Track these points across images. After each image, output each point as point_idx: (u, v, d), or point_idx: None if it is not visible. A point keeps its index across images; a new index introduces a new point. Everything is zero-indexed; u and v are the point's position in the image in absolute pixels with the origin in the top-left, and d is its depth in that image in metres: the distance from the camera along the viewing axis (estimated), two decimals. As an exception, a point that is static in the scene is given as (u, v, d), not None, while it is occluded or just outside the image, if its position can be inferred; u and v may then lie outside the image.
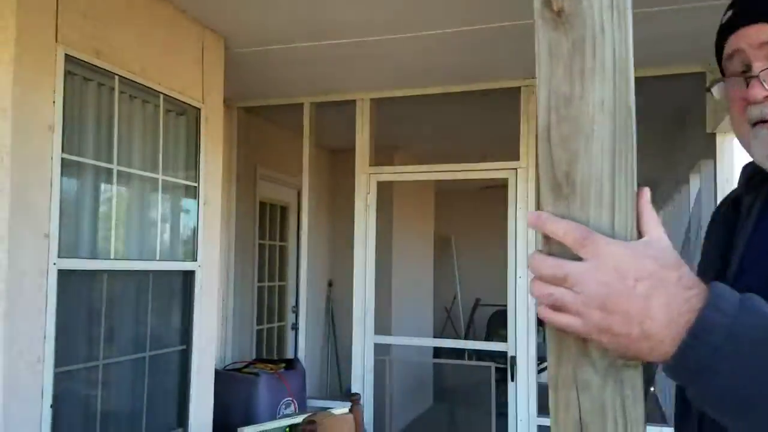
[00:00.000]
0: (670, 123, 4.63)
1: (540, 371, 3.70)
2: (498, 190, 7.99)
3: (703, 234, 3.61)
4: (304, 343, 4.08)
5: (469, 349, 6.29)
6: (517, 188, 3.72)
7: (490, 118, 4.67)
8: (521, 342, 3.65)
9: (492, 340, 6.25)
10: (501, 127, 4.77)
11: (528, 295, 3.64)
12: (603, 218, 0.65)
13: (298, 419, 2.97)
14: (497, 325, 6.64)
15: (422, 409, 6.32)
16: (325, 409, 3.53)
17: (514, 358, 3.64)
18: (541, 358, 3.71)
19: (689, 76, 3.57)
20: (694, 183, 4.48)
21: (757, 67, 0.83)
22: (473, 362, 4.78)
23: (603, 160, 0.65)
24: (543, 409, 3.61)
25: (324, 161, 5.86)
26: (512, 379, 3.63)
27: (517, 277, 3.66)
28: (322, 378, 5.38)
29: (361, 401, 2.69)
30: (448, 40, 3.23)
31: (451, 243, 8.15)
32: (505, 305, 7.63)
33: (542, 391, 3.90)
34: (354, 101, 4.11)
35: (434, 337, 6.96)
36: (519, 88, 3.83)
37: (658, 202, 6.36)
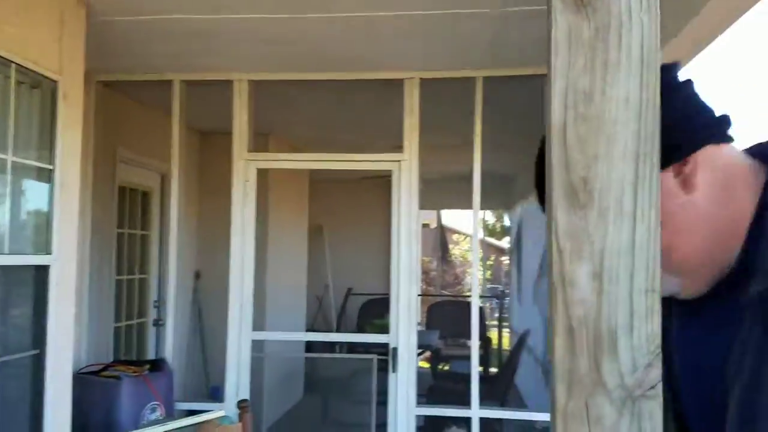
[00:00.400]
0: (541, 119, 4.83)
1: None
2: (373, 180, 8.03)
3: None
4: (172, 342, 3.79)
5: (341, 342, 6.24)
6: (401, 181, 3.69)
7: (370, 109, 4.61)
8: (403, 333, 3.64)
9: (365, 330, 6.24)
10: (381, 118, 4.74)
11: (411, 285, 3.63)
12: (623, 230, 0.57)
13: (170, 426, 2.73)
14: (370, 314, 6.65)
15: (294, 402, 6.19)
16: (195, 412, 3.31)
17: (396, 350, 3.62)
18: (420, 347, 3.73)
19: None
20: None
21: None
22: (355, 355, 4.74)
23: (626, 164, 0.57)
24: (421, 398, 3.64)
25: (192, 144, 5.50)
26: (393, 370, 3.61)
27: (400, 267, 3.63)
28: (188, 378, 5.06)
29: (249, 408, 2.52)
30: (334, 24, 3.11)
31: (323, 233, 8.05)
32: (378, 294, 7.67)
33: (421, 381, 3.93)
34: (231, 81, 3.86)
35: (307, 329, 6.83)
36: (402, 80, 3.79)
37: (521, 196, 6.67)
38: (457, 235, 16.81)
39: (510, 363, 4.59)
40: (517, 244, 6.74)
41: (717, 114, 0.90)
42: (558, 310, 0.59)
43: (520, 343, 4.80)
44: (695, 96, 0.90)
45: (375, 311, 6.58)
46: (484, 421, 3.54)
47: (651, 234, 0.58)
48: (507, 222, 12.12)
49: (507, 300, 8.68)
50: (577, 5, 0.58)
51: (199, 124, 5.27)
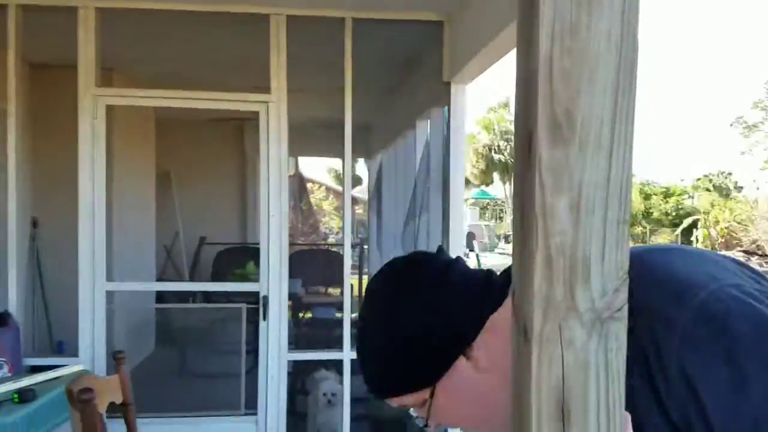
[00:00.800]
0: (403, 68, 4.90)
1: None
2: (227, 123, 7.70)
3: (433, 176, 3.90)
4: (16, 295, 3.44)
5: (198, 291, 6.04)
6: (269, 124, 3.58)
7: (229, 45, 4.38)
8: (274, 282, 3.59)
9: (222, 280, 6.09)
10: (241, 56, 4.53)
11: (281, 233, 3.58)
12: (600, 164, 0.60)
13: (26, 382, 2.51)
14: (226, 264, 6.49)
15: (146, 355, 5.93)
16: (46, 368, 3.08)
17: (266, 298, 3.57)
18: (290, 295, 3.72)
19: (427, 23, 3.79)
20: (421, 129, 4.85)
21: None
22: (225, 304, 4.60)
23: (606, 98, 0.60)
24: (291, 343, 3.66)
25: (24, 78, 4.90)
26: (264, 319, 3.57)
27: (270, 215, 3.56)
28: (31, 333, 4.64)
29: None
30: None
31: (171, 178, 7.63)
32: (234, 243, 7.47)
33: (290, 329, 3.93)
34: (76, 8, 3.47)
35: (156, 279, 6.51)
36: (268, 15, 3.63)
37: (379, 145, 6.78)
38: (311, 183, 16.77)
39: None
40: (377, 192, 6.88)
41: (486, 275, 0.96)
42: (538, 241, 0.61)
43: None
44: (466, 272, 0.95)
45: (232, 260, 6.43)
46: (354, 362, 3.64)
47: (624, 168, 0.61)
48: (360, 171, 12.27)
49: (365, 247, 8.86)
50: (568, -60, 0.58)
51: (29, 56, 4.69)
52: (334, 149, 8.57)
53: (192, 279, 7.29)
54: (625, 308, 0.62)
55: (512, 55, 3.18)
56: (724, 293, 0.80)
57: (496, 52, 3.12)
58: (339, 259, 8.41)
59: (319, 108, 5.01)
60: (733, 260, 0.92)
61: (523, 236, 0.64)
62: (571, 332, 0.61)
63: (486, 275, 0.97)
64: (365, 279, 8.69)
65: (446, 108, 3.84)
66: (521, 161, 0.64)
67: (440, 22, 3.75)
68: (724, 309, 0.79)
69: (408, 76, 4.95)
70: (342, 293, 7.08)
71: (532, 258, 0.61)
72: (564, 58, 0.59)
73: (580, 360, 0.62)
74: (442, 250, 1.03)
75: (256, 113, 3.62)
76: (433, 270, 0.95)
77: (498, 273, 0.99)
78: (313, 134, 6.51)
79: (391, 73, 5.02)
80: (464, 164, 3.75)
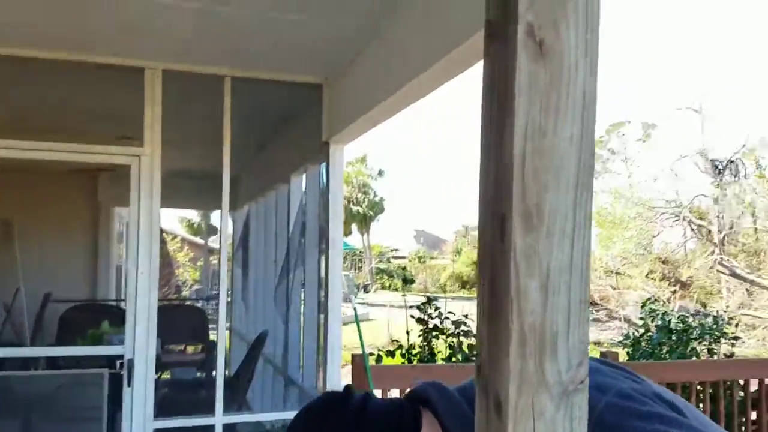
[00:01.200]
0: (278, 124, 4.92)
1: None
2: (78, 173, 7.19)
3: (309, 231, 3.95)
4: None
5: (39, 357, 5.47)
6: (140, 176, 3.42)
7: (97, 94, 4.16)
8: (140, 343, 3.37)
9: (70, 341, 5.58)
10: (107, 107, 4.34)
11: (150, 291, 3.39)
12: (565, 249, 0.67)
13: None
14: (76, 323, 5.96)
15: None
16: None
17: (132, 361, 3.33)
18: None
19: (308, 85, 3.88)
20: (296, 184, 4.88)
21: None
22: (84, 370, 4.18)
23: (569, 193, 0.67)
24: (160, 411, 3.43)
25: None
26: (129, 384, 3.32)
27: (139, 272, 3.36)
28: None
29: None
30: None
31: (13, 228, 6.96)
32: (84, 301, 6.90)
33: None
34: None
35: (-8, 342, 5.82)
36: (143, 69, 3.53)
37: (247, 197, 6.67)
38: (165, 233, 15.99)
39: (248, 366, 4.57)
40: (244, 244, 6.72)
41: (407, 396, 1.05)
42: (513, 319, 0.66)
43: (256, 346, 4.80)
44: (380, 406, 1.02)
45: (82, 320, 5.93)
46: (227, 427, 3.48)
47: (584, 253, 0.69)
48: (216, 221, 11.95)
49: (228, 300, 8.56)
50: (536, 55, 0.66)
51: None
52: (204, 201, 8.30)
53: (34, 341, 6.60)
54: (587, 380, 0.69)
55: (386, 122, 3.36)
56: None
57: (375, 120, 3.28)
58: (201, 314, 8.06)
59: (192, 160, 4.88)
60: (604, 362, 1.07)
61: (495, 315, 0.69)
62: (541, 405, 0.67)
63: (399, 405, 1.03)
64: (230, 334, 8.38)
65: (324, 165, 3.91)
66: (493, 245, 0.70)
67: (319, 85, 3.86)
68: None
69: (283, 132, 4.98)
70: (203, 350, 6.77)
71: (508, 336, 0.67)
72: (535, 157, 0.66)
73: (549, 431, 0.67)
74: (350, 388, 1.07)
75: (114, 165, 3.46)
76: (351, 410, 1.00)
77: (406, 398, 1.06)
78: (182, 186, 6.28)
79: (265, 128, 5.03)
80: (342, 221, 3.81)
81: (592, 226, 0.69)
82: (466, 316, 4.91)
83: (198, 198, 7.66)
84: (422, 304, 4.92)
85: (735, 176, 19.82)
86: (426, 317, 4.80)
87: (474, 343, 4.63)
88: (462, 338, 4.65)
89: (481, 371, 0.72)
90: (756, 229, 18.92)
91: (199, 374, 6.47)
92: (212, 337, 6.72)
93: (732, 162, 19.77)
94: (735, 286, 16.96)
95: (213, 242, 14.78)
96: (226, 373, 3.90)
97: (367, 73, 3.15)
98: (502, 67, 0.69)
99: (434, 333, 4.71)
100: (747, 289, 17.15)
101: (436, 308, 4.84)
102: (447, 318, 4.78)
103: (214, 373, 6.13)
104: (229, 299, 8.42)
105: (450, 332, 4.69)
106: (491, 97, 0.71)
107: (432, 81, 2.47)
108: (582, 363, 0.68)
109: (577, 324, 0.69)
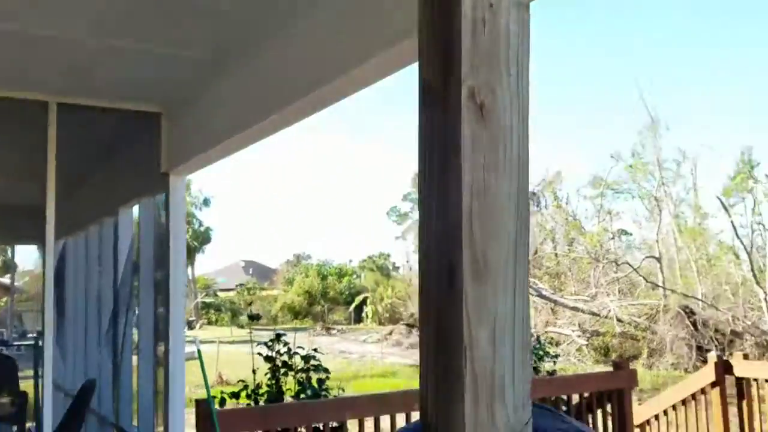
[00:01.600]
0: (103, 154, 4.58)
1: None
2: None
3: (144, 266, 3.75)
4: None
5: None
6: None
7: None
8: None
9: None
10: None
11: None
12: (507, 303, 0.72)
13: None
14: None
15: None
16: None
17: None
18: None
19: (147, 114, 3.68)
20: (126, 217, 4.55)
21: None
22: None
23: (509, 246, 0.72)
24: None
25: None
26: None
27: None
28: None
29: None
30: None
31: None
32: None
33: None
34: None
35: None
36: (47, 103, 3.20)
37: (61, 231, 6.09)
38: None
39: (76, 417, 4.10)
40: (58, 282, 6.07)
41: None
42: (466, 366, 0.69)
43: (82, 396, 4.33)
44: None
45: None
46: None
47: (524, 302, 0.74)
48: (20, 257, 10.70)
49: (40, 344, 7.65)
50: (477, 115, 0.71)
51: None
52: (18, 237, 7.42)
53: None
54: (531, 422, 0.73)
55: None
56: None
57: (221, 153, 3.20)
58: (9, 363, 7.07)
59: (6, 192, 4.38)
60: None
61: (446, 363, 0.71)
62: (492, 447, 0.70)
63: None
64: (41, 384, 7.39)
65: (165, 196, 3.71)
66: (441, 294, 0.72)
67: (158, 114, 3.67)
68: None
69: (116, 162, 4.64)
70: (14, 404, 5.94)
71: (461, 384, 0.69)
72: (481, 211, 0.70)
73: (498, 472, 0.70)
74: None
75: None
76: None
77: None
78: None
79: (95, 157, 4.66)
80: (185, 255, 3.63)
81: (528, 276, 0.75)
82: (315, 350, 4.85)
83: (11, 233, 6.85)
84: (270, 340, 4.78)
85: (537, 206, 22.01)
86: (275, 354, 4.66)
87: (324, 377, 4.60)
88: (312, 373, 4.58)
89: (428, 419, 0.74)
90: (556, 254, 21.09)
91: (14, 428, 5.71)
92: (23, 387, 5.96)
93: (534, 194, 21.92)
94: (541, 306, 18.66)
95: (7, 279, 13.18)
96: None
97: (222, 104, 3.06)
98: (441, 126, 0.73)
99: (282, 370, 4.58)
100: (552, 308, 18.98)
101: (285, 344, 4.72)
102: (296, 353, 4.68)
103: (28, 425, 5.43)
104: (40, 343, 7.55)
105: (299, 368, 4.59)
106: (431, 154, 0.74)
107: (296, 114, 2.45)
108: (525, 405, 0.73)
109: (521, 368, 0.73)
